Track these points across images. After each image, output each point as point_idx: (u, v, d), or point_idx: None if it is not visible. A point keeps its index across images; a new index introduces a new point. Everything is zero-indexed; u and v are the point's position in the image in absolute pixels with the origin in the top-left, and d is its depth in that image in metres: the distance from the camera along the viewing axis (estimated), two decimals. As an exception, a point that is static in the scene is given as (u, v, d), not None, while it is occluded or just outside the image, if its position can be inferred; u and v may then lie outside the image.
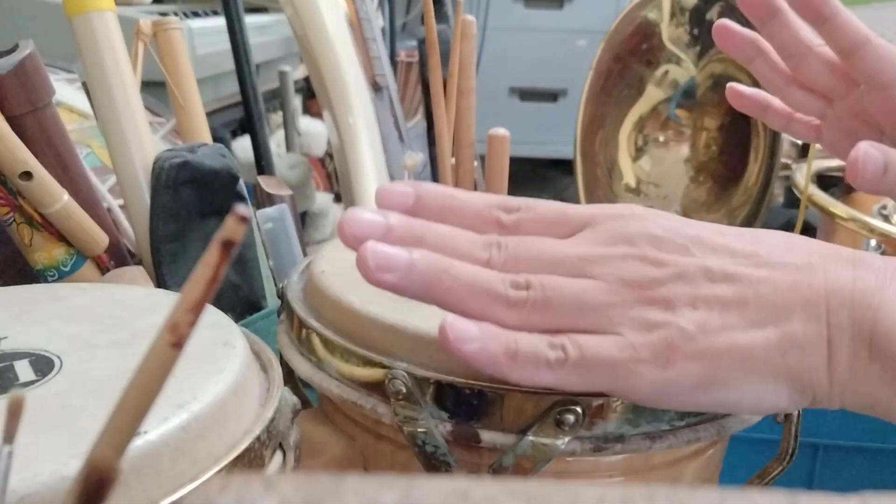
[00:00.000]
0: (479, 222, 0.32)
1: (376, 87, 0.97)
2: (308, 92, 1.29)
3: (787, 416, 0.37)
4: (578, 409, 0.30)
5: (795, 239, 0.31)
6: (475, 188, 0.58)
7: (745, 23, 0.81)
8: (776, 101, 0.48)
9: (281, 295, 0.40)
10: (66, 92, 0.67)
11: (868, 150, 0.36)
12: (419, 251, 0.30)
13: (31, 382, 0.27)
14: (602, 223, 0.31)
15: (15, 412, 0.18)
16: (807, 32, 0.44)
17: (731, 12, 0.82)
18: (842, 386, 0.29)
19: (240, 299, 0.50)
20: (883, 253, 0.65)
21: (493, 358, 0.29)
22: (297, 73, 1.23)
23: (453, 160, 0.57)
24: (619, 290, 0.29)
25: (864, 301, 0.28)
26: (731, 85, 0.49)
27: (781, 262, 0.30)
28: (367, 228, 0.30)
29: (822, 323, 0.28)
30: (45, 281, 0.45)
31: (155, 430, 0.24)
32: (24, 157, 0.42)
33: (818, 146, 0.74)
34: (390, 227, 0.30)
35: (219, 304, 0.31)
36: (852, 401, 0.29)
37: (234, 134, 1.14)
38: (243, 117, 0.98)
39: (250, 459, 0.27)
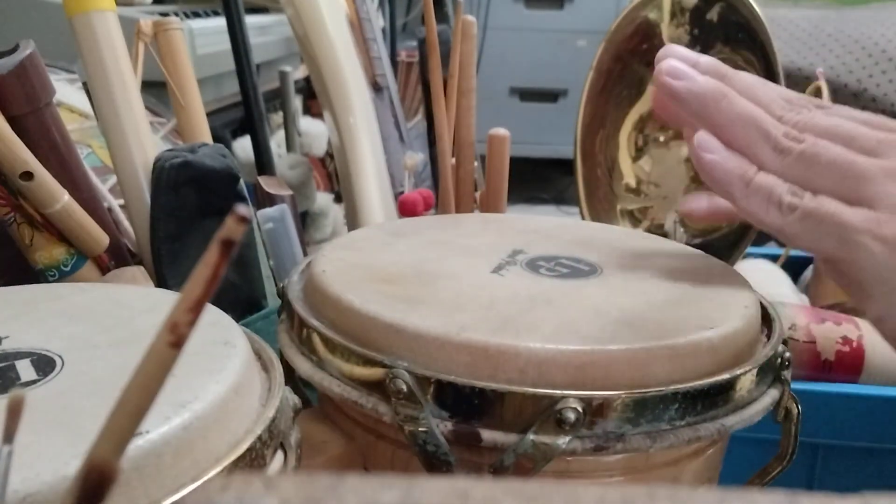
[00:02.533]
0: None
1: (377, 88, 0.97)
2: (308, 92, 1.29)
3: (787, 416, 0.37)
4: (579, 408, 0.30)
5: None
6: (475, 188, 0.58)
7: (746, 23, 0.80)
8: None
9: (281, 294, 0.40)
10: (66, 92, 0.67)
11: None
12: (710, 77, 0.31)
13: (33, 382, 0.27)
14: None
15: (15, 412, 0.18)
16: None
17: (732, 13, 0.82)
18: None
19: (240, 299, 0.50)
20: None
21: (726, 175, 0.29)
22: (298, 73, 1.23)
23: (453, 160, 0.58)
24: (894, 170, 0.28)
25: None
26: (684, 209, 0.43)
27: None
28: (679, 53, 0.32)
29: None
30: (46, 281, 0.45)
31: (156, 429, 0.24)
32: (25, 158, 0.42)
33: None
34: (698, 61, 0.32)
35: (219, 303, 0.32)
36: None
37: (235, 134, 1.14)
38: (244, 117, 0.98)
39: (252, 459, 0.27)
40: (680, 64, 0.31)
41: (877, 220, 0.28)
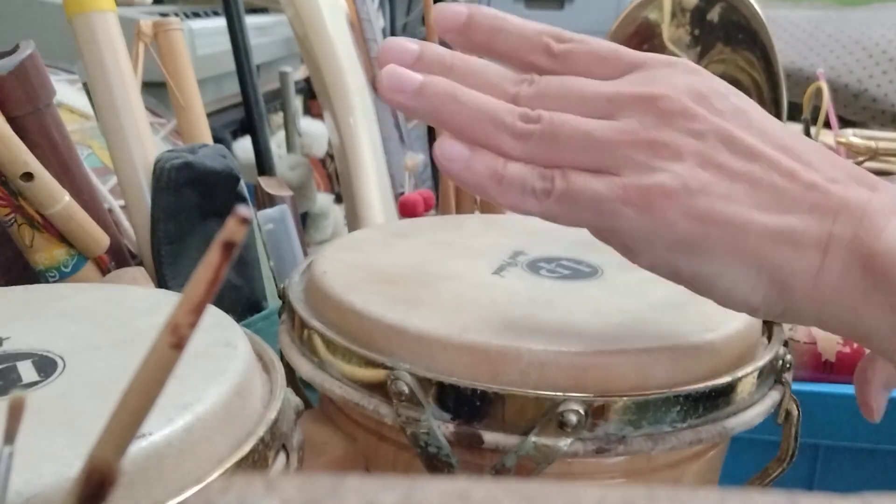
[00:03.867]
0: (528, 48, 0.32)
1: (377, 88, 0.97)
2: (309, 93, 1.29)
3: (788, 418, 0.37)
4: (580, 410, 0.30)
5: (833, 155, 0.31)
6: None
7: (746, 23, 0.81)
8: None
9: (282, 295, 0.40)
10: (66, 92, 0.67)
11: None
12: (433, 77, 0.30)
13: (35, 383, 0.27)
14: (651, 68, 0.31)
15: (16, 413, 0.18)
16: None
17: (733, 13, 0.82)
18: (824, 297, 0.29)
19: (241, 300, 0.50)
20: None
21: (477, 178, 0.29)
22: (298, 73, 1.23)
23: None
24: (633, 132, 0.29)
25: (873, 220, 0.28)
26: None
27: (808, 162, 0.29)
28: (399, 54, 0.31)
29: (824, 229, 0.28)
30: (46, 282, 0.45)
31: (159, 431, 0.24)
32: (25, 158, 0.42)
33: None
34: (421, 55, 0.31)
35: (220, 304, 0.32)
36: (832, 318, 0.29)
37: (235, 135, 1.14)
38: (244, 118, 0.98)
39: (254, 461, 0.27)
40: (399, 72, 0.30)
41: (623, 186, 0.28)
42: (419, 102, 0.30)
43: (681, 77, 0.30)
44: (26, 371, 0.28)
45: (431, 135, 1.02)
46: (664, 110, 0.29)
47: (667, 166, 0.28)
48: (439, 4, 0.33)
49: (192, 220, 0.46)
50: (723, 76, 0.86)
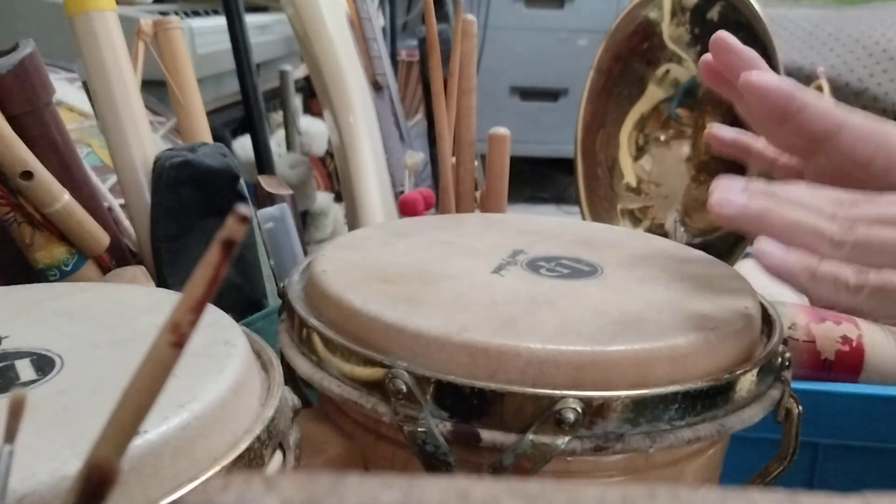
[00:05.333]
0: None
1: (377, 87, 0.97)
2: (308, 91, 1.29)
3: (788, 416, 0.37)
4: (578, 408, 0.30)
5: None
6: (475, 188, 0.58)
7: (747, 22, 0.80)
8: (759, 144, 0.47)
9: (282, 294, 0.40)
10: (66, 91, 0.67)
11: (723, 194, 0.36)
12: (757, 198, 0.33)
13: (33, 382, 0.27)
14: None
15: (16, 411, 0.18)
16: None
17: (733, 12, 0.82)
18: None
19: (241, 299, 0.50)
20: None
21: (792, 271, 0.32)
22: (298, 72, 1.23)
23: (454, 159, 0.57)
24: None
25: None
26: (710, 131, 0.48)
27: None
28: (728, 190, 0.34)
29: None
30: (47, 280, 0.45)
31: (155, 429, 0.24)
32: (25, 157, 0.42)
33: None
34: (747, 186, 0.34)
35: (220, 303, 0.32)
36: None
37: (235, 133, 1.14)
38: (244, 117, 0.98)
39: (250, 459, 0.27)
40: (728, 193, 0.34)
41: None
42: (745, 215, 0.33)
43: None
44: (24, 370, 0.28)
45: (431, 134, 1.02)
46: None
47: None
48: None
49: (191, 219, 0.46)
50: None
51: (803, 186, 0.35)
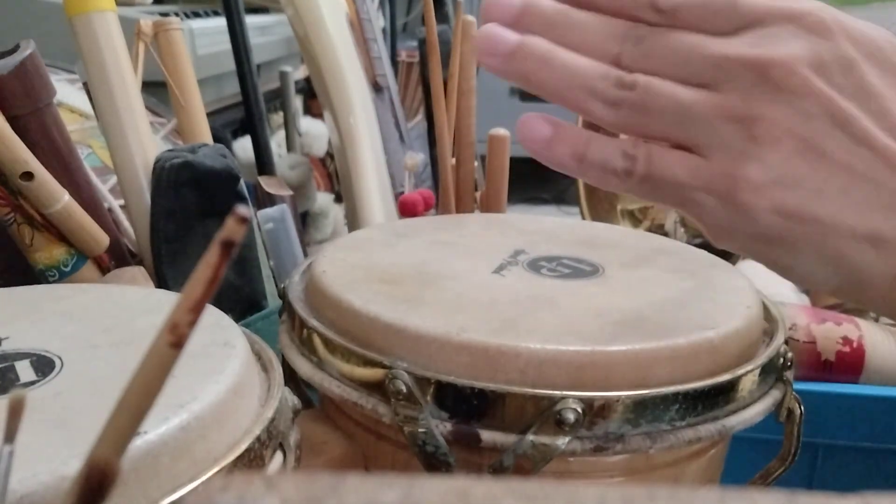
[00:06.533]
0: (633, 3, 0.29)
1: (377, 88, 0.97)
2: (309, 92, 1.29)
3: (790, 416, 0.37)
4: (579, 409, 0.30)
5: None
6: (475, 188, 0.58)
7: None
8: None
9: (282, 295, 0.40)
10: (66, 92, 0.67)
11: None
12: (529, 38, 0.29)
13: (32, 383, 0.27)
14: (770, 24, 0.27)
15: (16, 412, 0.18)
16: None
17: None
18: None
19: (240, 299, 0.50)
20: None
21: (559, 159, 0.29)
22: (298, 73, 1.23)
23: (454, 160, 0.57)
24: (732, 108, 0.27)
25: None
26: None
27: None
28: (501, 11, 0.30)
29: None
30: (46, 281, 0.45)
31: (155, 429, 0.24)
32: (25, 158, 0.42)
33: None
34: (523, 11, 0.29)
35: (219, 304, 0.32)
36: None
37: (235, 134, 1.14)
38: (244, 117, 0.98)
39: (250, 459, 0.27)
40: (495, 33, 0.29)
41: (708, 173, 0.27)
42: (511, 66, 0.29)
43: (803, 40, 0.27)
44: (24, 371, 0.28)
45: (432, 135, 1.02)
46: (774, 82, 0.26)
47: (761, 153, 0.26)
48: None
49: (191, 220, 0.46)
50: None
51: (584, 14, 0.30)
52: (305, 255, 0.59)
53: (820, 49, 0.27)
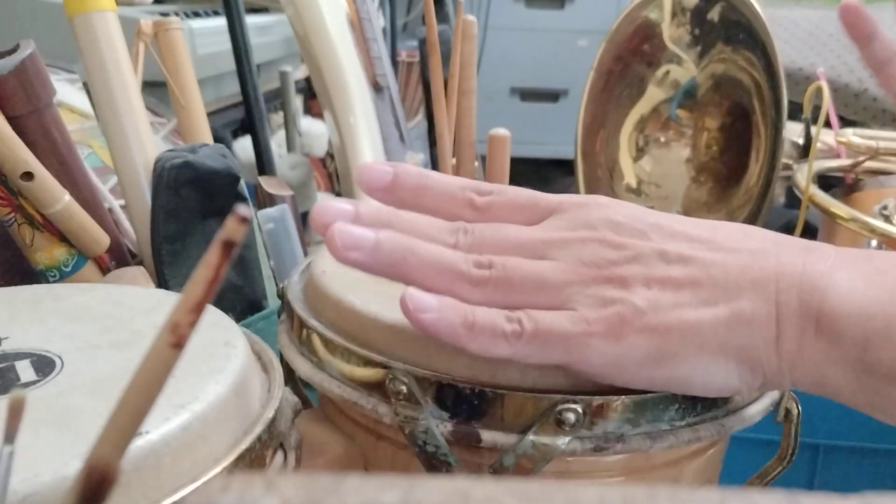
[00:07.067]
0: (453, 203, 0.34)
1: (377, 88, 0.97)
2: (309, 92, 1.29)
3: (788, 416, 0.37)
4: (579, 409, 0.30)
5: (751, 229, 0.33)
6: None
7: (747, 23, 0.80)
8: (883, 36, 0.49)
9: (281, 295, 0.40)
10: (67, 92, 0.67)
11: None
12: (385, 231, 0.31)
13: (33, 383, 0.27)
14: (567, 210, 0.33)
15: (16, 412, 0.18)
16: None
17: (733, 12, 0.82)
18: (791, 363, 0.30)
19: (241, 299, 0.50)
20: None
21: (450, 327, 0.30)
22: (298, 73, 1.23)
23: (454, 160, 0.58)
24: (577, 270, 0.31)
25: (812, 283, 0.30)
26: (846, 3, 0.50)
27: (735, 247, 0.31)
28: (337, 215, 0.31)
29: (770, 302, 0.30)
30: (47, 281, 0.45)
31: (156, 430, 0.24)
32: (25, 158, 0.42)
33: (819, 146, 0.74)
34: (358, 214, 0.32)
35: (219, 304, 0.32)
36: (802, 379, 0.31)
37: (235, 134, 1.14)
38: (244, 117, 0.98)
39: (251, 460, 0.27)
40: (351, 231, 0.31)
41: (584, 320, 0.30)
42: (379, 258, 0.31)
43: (595, 214, 0.32)
44: (24, 371, 0.28)
45: (432, 135, 1.02)
46: (593, 248, 0.31)
47: (617, 295, 0.30)
48: (365, 164, 0.34)
49: (192, 220, 0.46)
50: (723, 76, 0.85)
51: (412, 213, 0.33)
52: (306, 255, 0.59)
53: (610, 215, 0.32)
